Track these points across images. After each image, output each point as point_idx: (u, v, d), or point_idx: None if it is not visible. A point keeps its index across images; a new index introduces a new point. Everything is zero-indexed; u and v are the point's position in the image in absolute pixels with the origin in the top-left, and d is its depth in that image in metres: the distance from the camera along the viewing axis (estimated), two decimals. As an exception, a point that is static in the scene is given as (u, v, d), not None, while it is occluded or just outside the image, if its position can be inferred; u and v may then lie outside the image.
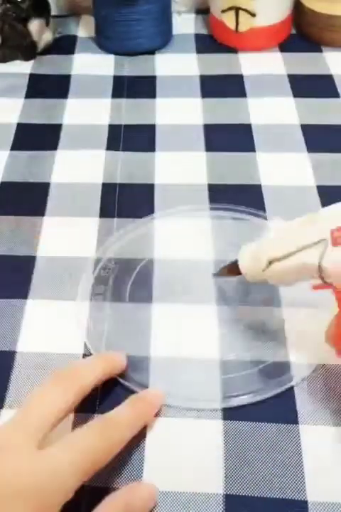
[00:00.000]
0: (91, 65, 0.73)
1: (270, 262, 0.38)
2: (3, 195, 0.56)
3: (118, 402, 0.39)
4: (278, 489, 0.35)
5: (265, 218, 0.51)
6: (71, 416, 0.39)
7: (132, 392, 0.40)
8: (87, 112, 0.66)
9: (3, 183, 0.57)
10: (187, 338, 0.43)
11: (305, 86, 0.68)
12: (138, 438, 0.38)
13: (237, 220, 0.51)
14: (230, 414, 0.39)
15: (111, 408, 0.39)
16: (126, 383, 0.41)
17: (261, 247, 0.39)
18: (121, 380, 0.41)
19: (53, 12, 0.77)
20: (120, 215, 0.53)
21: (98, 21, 0.75)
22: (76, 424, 0.38)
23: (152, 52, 0.75)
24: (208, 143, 0.61)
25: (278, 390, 0.39)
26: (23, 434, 0.34)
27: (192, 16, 0.82)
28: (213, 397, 0.40)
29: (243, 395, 0.39)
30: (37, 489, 0.31)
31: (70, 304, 0.46)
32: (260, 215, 0.52)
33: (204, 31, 0.79)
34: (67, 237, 0.51)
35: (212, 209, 0.53)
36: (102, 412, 0.39)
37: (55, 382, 0.37)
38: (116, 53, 0.75)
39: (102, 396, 0.40)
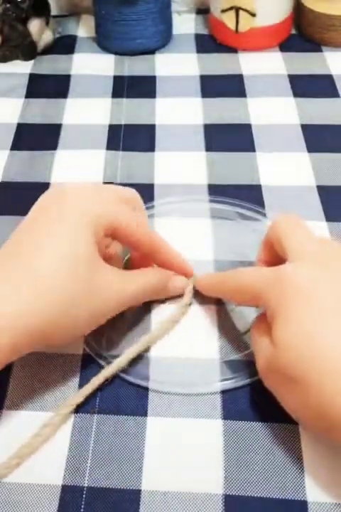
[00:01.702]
0: (92, 64, 0.73)
1: None
2: (3, 195, 0.56)
3: (118, 400, 0.39)
4: (278, 489, 0.35)
5: (264, 215, 0.51)
6: (71, 416, 0.39)
7: (132, 390, 0.40)
8: (87, 111, 0.66)
9: (3, 182, 0.57)
10: (188, 338, 0.43)
11: (306, 86, 0.68)
12: (138, 438, 0.38)
13: (237, 219, 0.51)
14: (230, 413, 0.39)
15: (112, 406, 0.39)
16: (127, 377, 0.41)
17: None
18: (121, 375, 0.41)
19: (53, 12, 0.77)
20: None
21: (98, 21, 0.75)
22: (75, 425, 0.38)
23: (152, 52, 0.75)
24: (208, 143, 0.61)
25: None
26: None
27: (192, 15, 0.82)
28: (213, 398, 0.40)
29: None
30: None
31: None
32: (259, 212, 0.52)
33: (204, 31, 0.79)
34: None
35: (211, 201, 0.53)
36: (103, 411, 0.39)
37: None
38: (116, 53, 0.75)
39: (102, 394, 0.40)
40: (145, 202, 0.53)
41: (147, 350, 0.42)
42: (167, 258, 0.44)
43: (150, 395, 0.40)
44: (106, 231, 0.39)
